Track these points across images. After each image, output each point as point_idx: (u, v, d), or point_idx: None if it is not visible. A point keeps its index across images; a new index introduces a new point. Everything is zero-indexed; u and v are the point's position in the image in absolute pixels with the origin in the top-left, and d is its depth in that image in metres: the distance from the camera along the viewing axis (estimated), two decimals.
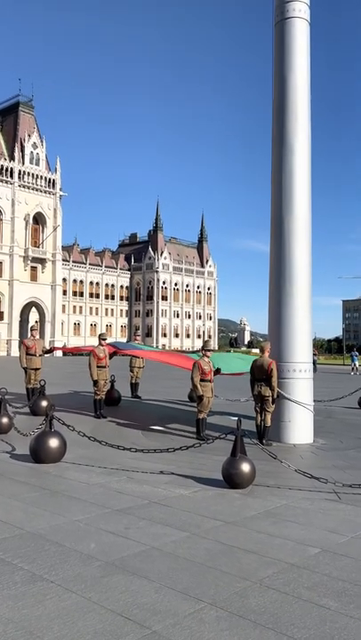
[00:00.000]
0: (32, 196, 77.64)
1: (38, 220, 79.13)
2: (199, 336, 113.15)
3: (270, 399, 9.34)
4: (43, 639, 2.97)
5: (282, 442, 9.65)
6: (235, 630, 3.11)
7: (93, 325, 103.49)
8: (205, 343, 10.51)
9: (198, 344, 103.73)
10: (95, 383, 12.10)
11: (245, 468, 6.23)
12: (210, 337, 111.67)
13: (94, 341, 78.66)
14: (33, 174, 78.16)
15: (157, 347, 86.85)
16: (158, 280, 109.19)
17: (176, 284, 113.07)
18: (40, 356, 13.57)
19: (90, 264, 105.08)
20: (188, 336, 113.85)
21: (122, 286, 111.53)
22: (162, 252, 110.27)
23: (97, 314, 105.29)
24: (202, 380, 9.78)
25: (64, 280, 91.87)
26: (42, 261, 78.58)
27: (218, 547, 4.45)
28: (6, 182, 75.37)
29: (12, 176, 75.82)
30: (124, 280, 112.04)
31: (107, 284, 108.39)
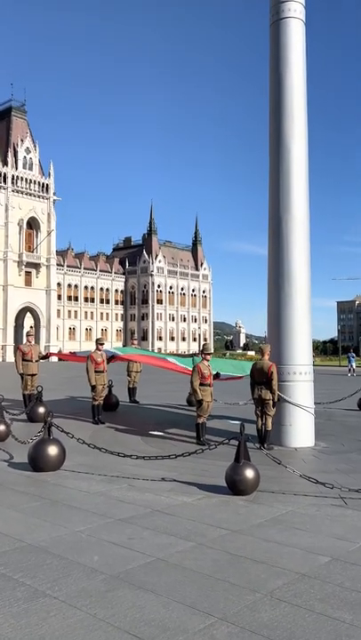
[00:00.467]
0: (25, 200, 77.44)
1: (32, 224, 78.91)
2: (195, 339, 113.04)
3: (271, 402, 9.22)
4: None
5: (283, 445, 9.54)
6: None
7: (89, 330, 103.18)
8: (204, 346, 10.37)
9: (194, 347, 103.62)
10: (93, 388, 11.95)
11: (250, 474, 6.11)
12: (205, 340, 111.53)
13: (89, 346, 78.41)
14: (26, 179, 77.97)
15: (153, 350, 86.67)
16: (153, 283, 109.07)
17: (171, 288, 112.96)
18: (36, 361, 13.42)
19: (84, 268, 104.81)
20: (183, 339, 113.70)
21: (117, 290, 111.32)
22: (156, 256, 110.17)
23: (92, 318, 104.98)
24: (201, 384, 9.66)
25: (58, 285, 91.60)
26: (36, 266, 78.33)
27: (225, 557, 4.32)
28: None
29: (5, 181, 75.58)
30: (119, 284, 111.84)
31: (101, 289, 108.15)
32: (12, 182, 76.06)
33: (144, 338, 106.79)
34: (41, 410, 11.06)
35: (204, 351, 10.11)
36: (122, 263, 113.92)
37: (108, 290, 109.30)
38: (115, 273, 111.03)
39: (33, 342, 13.99)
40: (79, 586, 3.76)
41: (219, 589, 3.73)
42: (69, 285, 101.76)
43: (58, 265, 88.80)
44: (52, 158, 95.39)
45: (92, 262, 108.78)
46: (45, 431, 7.17)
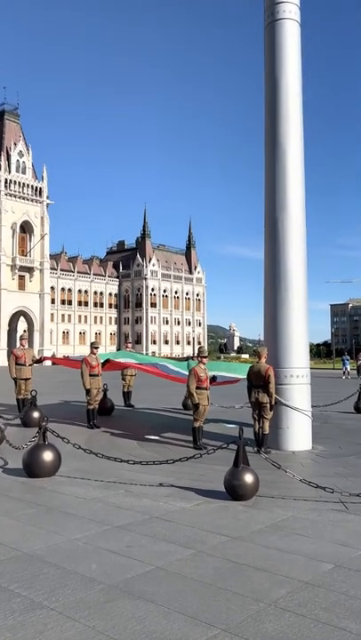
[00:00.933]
0: (19, 204, 77.20)
1: (25, 228, 78.65)
2: (189, 342, 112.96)
3: (268, 406, 9.14)
4: None
5: (280, 449, 9.45)
6: None
7: (82, 334, 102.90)
8: (200, 349, 10.28)
9: (188, 350, 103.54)
10: (88, 392, 11.83)
11: (249, 478, 6.01)
12: (200, 343, 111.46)
13: (83, 350, 78.13)
14: (19, 183, 77.75)
15: (147, 354, 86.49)
16: (147, 287, 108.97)
17: (165, 291, 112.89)
18: (30, 365, 13.29)
19: (78, 272, 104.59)
20: (177, 343, 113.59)
21: (110, 294, 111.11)
22: (150, 259, 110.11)
23: (86, 322, 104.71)
24: (198, 388, 9.57)
25: (52, 288, 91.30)
26: (29, 270, 78.04)
27: (226, 565, 4.22)
28: None
29: None
30: (113, 287, 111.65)
31: (95, 292, 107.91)
32: (5, 186, 75.81)
33: (138, 341, 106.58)
34: (35, 414, 10.94)
35: (200, 354, 10.01)
36: (115, 267, 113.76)
37: (101, 293, 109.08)
38: (108, 276, 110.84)
39: (26, 346, 13.87)
40: (77, 596, 3.64)
41: (221, 599, 3.63)
42: (63, 289, 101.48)
43: (51, 269, 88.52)
44: (46, 162, 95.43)
45: (86, 266, 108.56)
46: (40, 436, 7.06)
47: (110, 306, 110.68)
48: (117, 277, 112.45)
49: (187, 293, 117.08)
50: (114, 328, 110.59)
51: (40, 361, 15.21)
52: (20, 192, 77.48)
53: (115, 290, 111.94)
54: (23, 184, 78.20)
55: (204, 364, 9.84)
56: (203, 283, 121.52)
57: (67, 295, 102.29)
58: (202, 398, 9.56)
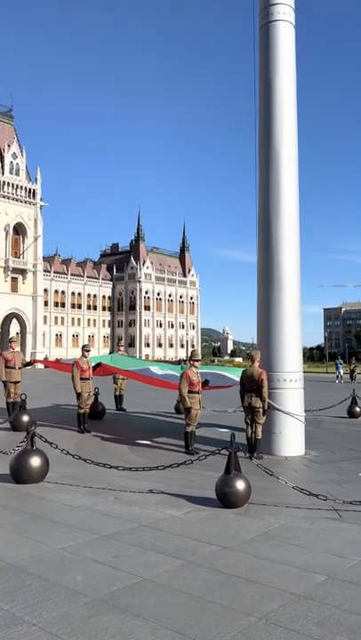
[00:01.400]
0: (12, 206, 76.87)
1: (19, 230, 78.33)
2: (182, 345, 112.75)
3: (261, 410, 9.02)
4: None
5: (273, 454, 9.33)
6: None
7: (75, 336, 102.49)
8: (193, 353, 10.16)
9: (182, 354, 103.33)
10: (79, 396, 11.67)
11: (240, 485, 5.88)
12: (193, 346, 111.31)
13: (76, 352, 77.77)
14: (13, 184, 77.44)
15: (141, 357, 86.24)
16: (141, 290, 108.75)
17: (159, 294, 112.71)
18: (19, 368, 13.11)
19: (71, 274, 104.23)
20: (171, 346, 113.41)
21: (104, 296, 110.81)
22: (144, 262, 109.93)
23: (79, 324, 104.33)
24: (190, 392, 9.43)
25: (45, 291, 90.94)
26: (22, 272, 77.68)
27: (216, 576, 4.09)
28: None
29: None
30: (107, 290, 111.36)
31: (89, 295, 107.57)
32: None
33: (131, 344, 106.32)
34: (25, 418, 10.76)
35: (192, 358, 9.88)
36: (109, 269, 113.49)
37: (95, 296, 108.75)
38: (102, 279, 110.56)
39: (17, 349, 13.69)
40: (60, 610, 3.50)
41: (210, 613, 3.50)
42: (56, 291, 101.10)
43: (45, 271, 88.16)
44: (40, 164, 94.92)
45: (80, 268, 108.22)
46: (28, 441, 6.90)
47: (104, 308, 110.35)
48: (111, 280, 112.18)
49: (180, 296, 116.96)
50: (107, 331, 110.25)
51: (30, 364, 15.04)
52: (13, 194, 77.18)
53: (108, 292, 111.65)
54: (17, 186, 77.90)
55: (195, 367, 9.72)
56: (196, 286, 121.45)
57: (60, 298, 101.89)
58: (193, 402, 9.42)
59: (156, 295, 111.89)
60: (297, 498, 6.22)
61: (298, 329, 9.84)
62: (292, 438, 9.48)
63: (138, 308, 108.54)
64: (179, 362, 17.32)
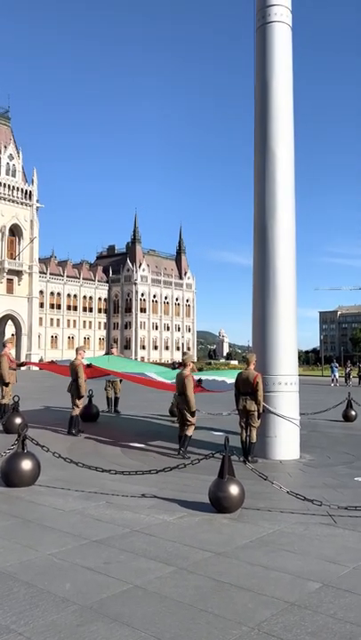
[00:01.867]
0: (8, 207, 76.71)
1: (14, 231, 78.16)
2: (178, 348, 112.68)
3: (256, 414, 8.94)
4: None
5: (268, 458, 9.25)
6: None
7: (71, 338, 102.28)
8: (185, 356, 10.06)
9: (177, 356, 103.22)
10: (79, 397, 11.59)
11: (234, 490, 5.80)
12: (189, 349, 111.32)
13: (72, 354, 77.50)
14: (9, 186, 77.29)
15: (136, 359, 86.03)
16: (137, 292, 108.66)
17: (155, 296, 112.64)
18: (14, 369, 13.00)
19: (67, 276, 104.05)
20: (166, 348, 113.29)
21: (100, 298, 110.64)
22: (140, 264, 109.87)
23: (75, 326, 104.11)
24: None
25: (41, 292, 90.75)
26: (18, 273, 77.50)
27: (208, 583, 4.00)
28: None
29: None
30: (102, 292, 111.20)
31: (84, 297, 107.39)
32: None
33: (127, 346, 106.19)
34: (17, 420, 10.65)
35: (185, 361, 9.80)
36: (105, 271, 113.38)
37: (91, 298, 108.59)
38: (98, 281, 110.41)
39: (12, 350, 13.58)
40: (48, 619, 3.41)
41: (201, 622, 3.41)
42: (52, 293, 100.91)
43: (40, 272, 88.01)
44: (36, 165, 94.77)
45: (76, 270, 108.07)
46: (19, 444, 6.80)
47: (100, 310, 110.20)
48: (107, 282, 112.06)
49: (176, 299, 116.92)
50: (103, 333, 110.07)
51: (22, 365, 14.94)
52: (9, 195, 77.02)
53: (104, 294, 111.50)
54: (13, 187, 77.76)
55: (189, 368, 9.67)
56: (193, 288, 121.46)
57: (56, 299, 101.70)
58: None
59: (152, 297, 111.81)
60: (291, 503, 6.15)
61: (293, 332, 9.77)
62: (286, 442, 9.41)
63: (134, 310, 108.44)
64: (173, 365, 17.20)
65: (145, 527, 5.32)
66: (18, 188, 78.32)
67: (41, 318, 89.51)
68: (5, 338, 62.62)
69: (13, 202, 77.49)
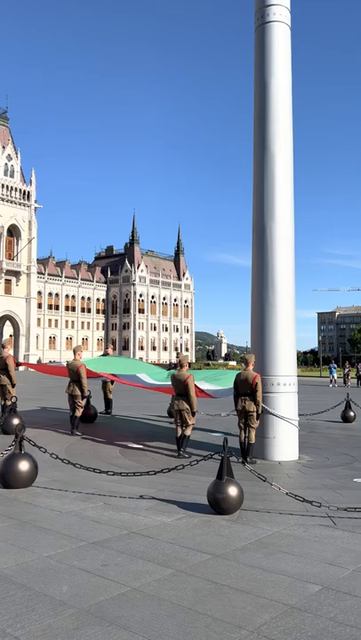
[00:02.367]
0: (6, 208, 76.58)
1: (13, 232, 78.02)
2: (176, 349, 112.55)
3: (255, 414, 8.91)
4: None
5: (266, 459, 9.22)
6: None
7: (69, 339, 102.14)
8: (183, 356, 10.04)
9: (175, 357, 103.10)
10: (83, 398, 11.57)
11: (233, 491, 5.75)
12: (187, 349, 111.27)
13: (70, 355, 77.35)
14: (7, 186, 77.16)
15: (134, 359, 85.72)
16: (135, 293, 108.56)
17: (153, 297, 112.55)
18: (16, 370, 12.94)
19: (65, 277, 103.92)
20: (165, 349, 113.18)
21: (98, 299, 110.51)
22: (138, 265, 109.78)
23: (73, 327, 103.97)
24: (181, 395, 9.33)
25: (39, 293, 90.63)
26: (16, 274, 77.34)
27: (207, 586, 3.96)
28: None
29: None
30: (101, 293, 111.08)
31: (83, 297, 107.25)
32: None
33: (125, 347, 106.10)
34: (15, 421, 10.60)
35: (184, 360, 9.77)
36: (104, 272, 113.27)
37: (89, 299, 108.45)
38: (96, 282, 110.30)
39: (11, 351, 13.52)
40: (44, 623, 3.36)
41: (200, 625, 3.37)
42: (50, 294, 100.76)
43: (39, 273, 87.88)
44: (35, 166, 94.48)
45: (74, 271, 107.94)
46: (17, 445, 6.75)
47: (98, 311, 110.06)
48: (105, 283, 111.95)
49: (175, 300, 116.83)
50: (101, 334, 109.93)
51: (19, 365, 14.87)
52: (7, 195, 76.88)
53: (102, 295, 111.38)
54: (11, 187, 77.62)
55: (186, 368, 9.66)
56: (191, 289, 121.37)
57: (54, 300, 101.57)
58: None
59: (150, 298, 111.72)
60: (291, 504, 6.11)
61: (292, 333, 9.74)
62: (285, 443, 9.37)
63: (132, 310, 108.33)
64: (170, 365, 17.15)
65: (143, 529, 5.27)
66: (16, 189, 78.19)
67: (39, 319, 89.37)
68: (3, 339, 62.31)
69: (11, 202, 77.35)
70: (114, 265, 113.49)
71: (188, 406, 9.27)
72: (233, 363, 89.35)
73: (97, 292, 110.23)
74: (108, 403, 15.61)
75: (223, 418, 14.51)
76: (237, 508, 5.84)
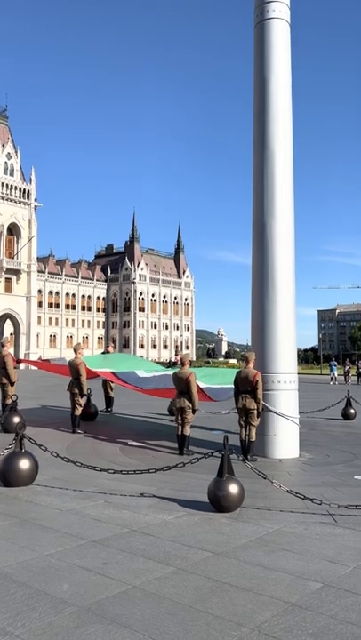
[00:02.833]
0: (6, 206, 76.51)
1: (13, 230, 77.96)
2: (177, 347, 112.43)
3: (255, 412, 8.90)
4: None
5: (267, 457, 9.22)
6: None
7: (70, 337, 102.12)
8: (185, 354, 10.06)
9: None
10: (82, 396, 11.57)
11: (233, 489, 5.75)
12: (188, 347, 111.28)
13: (70, 353, 77.41)
14: (7, 185, 77.08)
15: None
16: (135, 291, 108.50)
17: (153, 295, 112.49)
18: (15, 368, 12.93)
19: (66, 275, 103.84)
20: (165, 347, 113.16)
21: (98, 297, 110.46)
22: (139, 263, 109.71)
23: (73, 325, 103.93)
24: (182, 393, 9.33)
25: (39, 291, 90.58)
26: (16, 273, 77.30)
27: (208, 584, 3.96)
28: None
29: None
30: (101, 291, 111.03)
31: (83, 296, 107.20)
32: None
33: (126, 345, 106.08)
34: (15, 419, 10.60)
35: (185, 358, 9.77)
36: (104, 270, 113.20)
37: (89, 297, 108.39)
38: (97, 280, 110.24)
39: (10, 349, 13.53)
40: (45, 621, 3.36)
41: (200, 623, 3.36)
42: (50, 292, 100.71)
43: (39, 272, 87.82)
44: (35, 164, 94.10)
45: (74, 269, 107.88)
46: (17, 443, 6.75)
47: (98, 310, 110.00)
48: (106, 281, 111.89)
49: (175, 298, 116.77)
50: (102, 332, 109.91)
51: (19, 362, 14.89)
52: (7, 194, 76.81)
53: (103, 293, 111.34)
54: (11, 186, 77.54)
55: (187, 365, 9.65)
56: (191, 287, 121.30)
57: (54, 298, 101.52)
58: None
59: (150, 296, 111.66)
60: (291, 502, 6.11)
61: (292, 330, 9.73)
62: (286, 440, 9.37)
63: (132, 309, 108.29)
64: (169, 363, 17.16)
65: (144, 527, 5.27)
66: (16, 187, 78.10)
67: (39, 317, 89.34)
68: (3, 337, 62.36)
69: (11, 201, 77.27)
70: (114, 263, 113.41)
71: (189, 404, 9.26)
72: (233, 361, 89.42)
73: (97, 290, 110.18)
74: (108, 401, 15.60)
75: (224, 415, 14.51)
76: (238, 506, 5.84)
